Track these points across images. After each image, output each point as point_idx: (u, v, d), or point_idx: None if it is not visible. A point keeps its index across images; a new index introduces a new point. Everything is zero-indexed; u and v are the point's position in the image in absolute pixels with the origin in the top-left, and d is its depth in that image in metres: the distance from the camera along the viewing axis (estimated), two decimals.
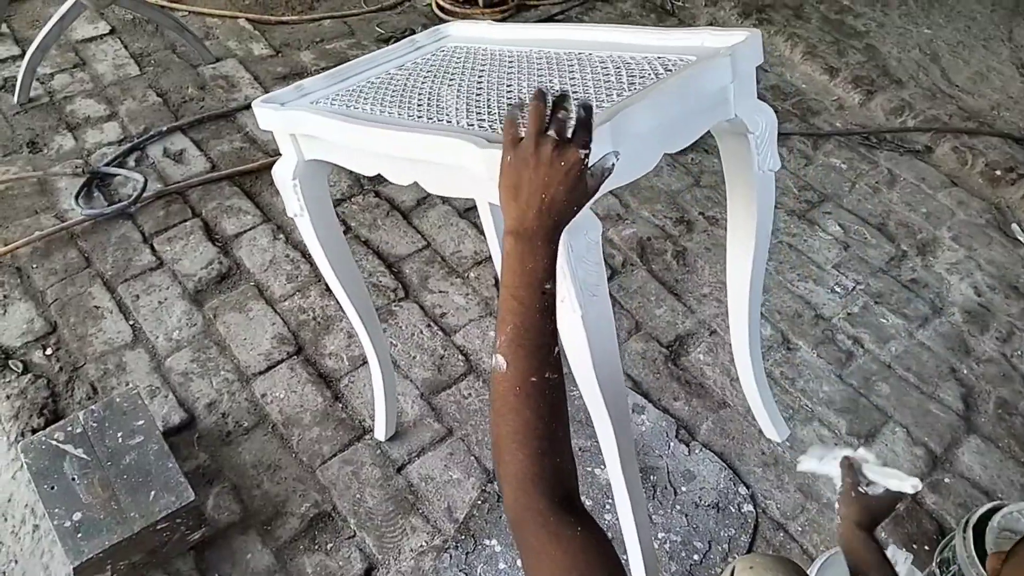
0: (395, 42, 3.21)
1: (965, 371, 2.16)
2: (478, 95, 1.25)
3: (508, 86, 1.26)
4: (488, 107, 1.20)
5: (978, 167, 2.86)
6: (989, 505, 1.57)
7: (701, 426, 1.97)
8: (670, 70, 1.20)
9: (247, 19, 3.39)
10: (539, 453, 0.85)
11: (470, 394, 2.02)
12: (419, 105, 1.26)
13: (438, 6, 3.59)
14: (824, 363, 2.14)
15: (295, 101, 1.38)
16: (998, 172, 2.82)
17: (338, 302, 1.88)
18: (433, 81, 1.35)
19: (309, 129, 1.30)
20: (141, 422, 1.72)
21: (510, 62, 1.37)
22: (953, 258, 2.51)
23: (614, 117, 1.02)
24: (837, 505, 1.21)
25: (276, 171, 1.44)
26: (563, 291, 1.08)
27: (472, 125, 1.15)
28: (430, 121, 1.20)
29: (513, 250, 0.90)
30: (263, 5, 3.53)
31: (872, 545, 1.17)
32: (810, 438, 1.95)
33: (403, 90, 1.34)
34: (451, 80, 1.34)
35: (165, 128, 2.75)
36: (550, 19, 3.60)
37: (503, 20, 3.54)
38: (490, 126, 1.13)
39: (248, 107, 2.87)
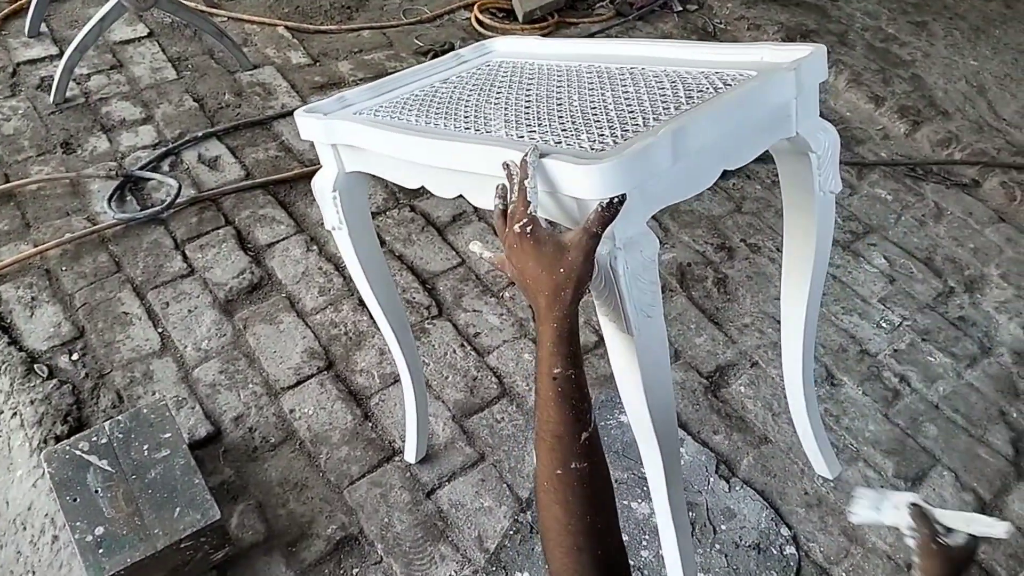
0: (433, 55, 3.24)
1: (1015, 415, 2.07)
2: (527, 108, 1.20)
3: (559, 100, 1.21)
4: (539, 120, 1.15)
5: None
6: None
7: (742, 462, 1.90)
8: (729, 84, 1.15)
9: (286, 27, 3.37)
10: (575, 549, 0.83)
11: (503, 418, 1.96)
12: (466, 117, 1.22)
13: (477, 20, 3.56)
14: (870, 401, 2.06)
15: (338, 112, 1.33)
16: None
17: (372, 317, 1.84)
18: (480, 94, 1.31)
19: (353, 139, 1.25)
20: (168, 435, 1.67)
21: (559, 76, 1.32)
22: (1002, 296, 2.43)
23: (675, 127, 0.98)
24: (916, 560, 1.13)
25: (316, 183, 1.39)
26: (614, 312, 1.03)
27: (523, 137, 1.10)
28: (478, 133, 1.16)
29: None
30: (302, 13, 3.51)
31: None
32: (855, 478, 1.87)
33: (449, 102, 1.29)
34: (498, 93, 1.29)
35: (201, 134, 2.72)
36: (590, 37, 3.55)
37: (542, 37, 3.50)
38: (540, 138, 1.08)
39: (285, 115, 2.84)
